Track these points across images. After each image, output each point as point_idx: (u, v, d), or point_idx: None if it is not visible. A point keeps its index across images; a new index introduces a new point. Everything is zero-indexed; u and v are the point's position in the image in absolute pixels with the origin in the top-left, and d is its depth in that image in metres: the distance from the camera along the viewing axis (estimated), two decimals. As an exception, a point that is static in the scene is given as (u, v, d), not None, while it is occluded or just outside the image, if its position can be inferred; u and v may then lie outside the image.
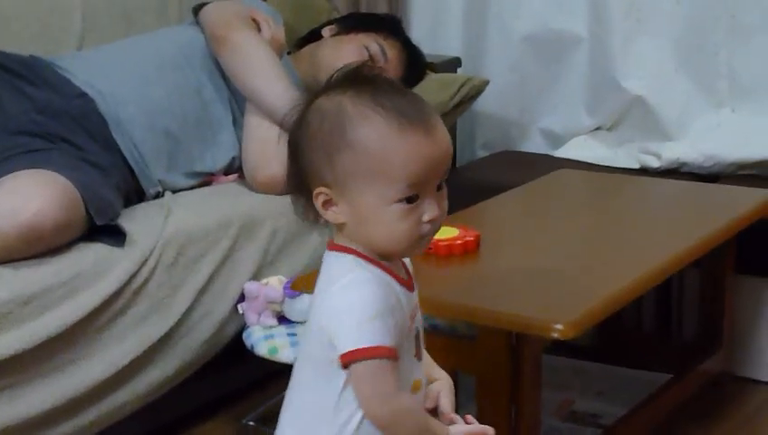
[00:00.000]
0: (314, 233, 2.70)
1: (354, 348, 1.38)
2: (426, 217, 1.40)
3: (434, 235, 1.45)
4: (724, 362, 2.81)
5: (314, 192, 1.43)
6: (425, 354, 1.56)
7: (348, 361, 1.38)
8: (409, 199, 1.39)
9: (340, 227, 1.44)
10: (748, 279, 2.82)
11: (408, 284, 1.47)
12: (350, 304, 1.40)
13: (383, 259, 1.44)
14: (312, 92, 1.46)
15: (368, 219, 1.41)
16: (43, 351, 2.15)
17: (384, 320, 1.38)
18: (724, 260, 2.72)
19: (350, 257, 1.44)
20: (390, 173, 1.38)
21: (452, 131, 3.32)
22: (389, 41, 2.97)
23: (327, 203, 1.42)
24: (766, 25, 3.06)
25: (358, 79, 1.45)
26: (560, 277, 2.09)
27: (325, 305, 1.43)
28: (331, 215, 1.43)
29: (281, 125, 2.61)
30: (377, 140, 1.38)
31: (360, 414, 1.43)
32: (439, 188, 1.42)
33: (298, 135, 1.45)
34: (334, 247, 1.46)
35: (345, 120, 1.40)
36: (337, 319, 1.40)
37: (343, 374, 1.41)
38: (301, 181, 1.45)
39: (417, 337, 1.48)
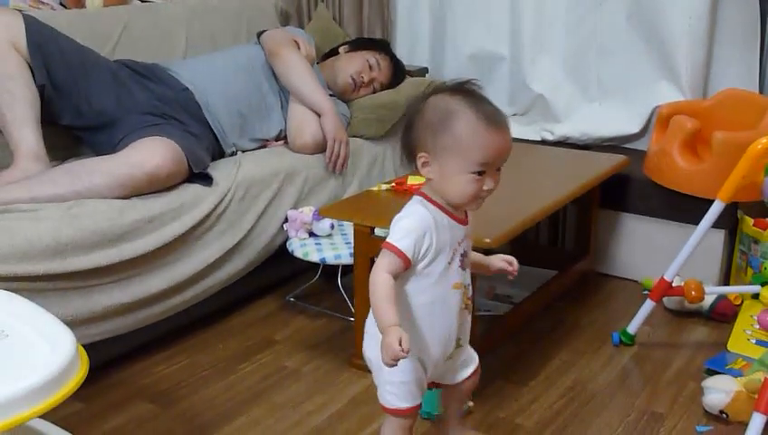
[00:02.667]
0: (332, 180, 2.71)
1: (389, 241, 1.42)
2: (485, 187, 1.41)
3: (486, 197, 1.44)
4: (590, 264, 2.84)
5: (417, 155, 1.43)
6: (476, 258, 1.59)
7: (383, 246, 1.42)
8: (479, 173, 1.39)
9: (429, 181, 1.44)
10: (606, 211, 2.83)
11: (461, 221, 1.47)
12: (399, 225, 1.44)
13: (448, 206, 1.45)
14: (428, 92, 1.44)
15: (448, 180, 1.41)
16: (160, 252, 2.17)
17: (412, 238, 1.41)
18: (592, 199, 2.73)
19: (420, 199, 1.46)
20: (470, 154, 1.38)
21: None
22: (382, 56, 2.97)
23: (424, 163, 1.43)
24: (620, 51, 3.04)
25: (461, 89, 1.43)
26: (489, 209, 2.10)
27: (392, 224, 1.46)
28: (426, 171, 1.44)
29: (311, 107, 2.65)
30: (467, 132, 1.38)
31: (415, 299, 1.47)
32: (498, 169, 1.42)
33: (414, 118, 1.43)
34: (418, 193, 1.47)
35: (449, 113, 1.39)
36: (391, 228, 1.44)
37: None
38: (409, 144, 1.45)
39: (463, 254, 1.49)
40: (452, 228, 1.46)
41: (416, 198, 1.47)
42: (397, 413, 1.54)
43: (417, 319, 1.48)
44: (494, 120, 1.39)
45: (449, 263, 1.46)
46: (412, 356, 1.48)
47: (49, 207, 2.01)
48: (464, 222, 1.49)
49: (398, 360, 1.34)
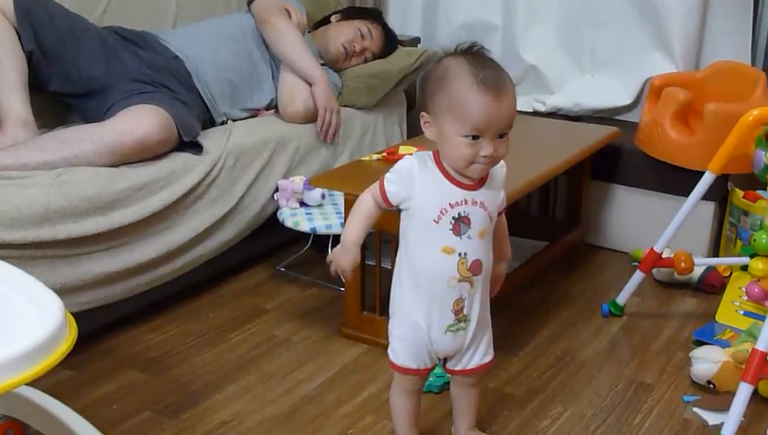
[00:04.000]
0: (323, 149, 2.69)
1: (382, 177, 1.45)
2: (482, 153, 1.37)
3: (487, 166, 1.40)
4: (580, 235, 2.84)
5: (420, 114, 1.43)
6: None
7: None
8: (474, 137, 1.36)
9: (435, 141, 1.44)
10: (597, 183, 2.83)
11: (461, 185, 1.43)
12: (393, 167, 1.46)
13: (453, 167, 1.43)
14: (444, 54, 1.43)
15: (445, 142, 1.40)
16: (150, 220, 2.16)
17: (393, 183, 1.45)
18: (583, 170, 2.74)
19: (427, 153, 1.46)
20: (462, 117, 1.35)
21: (413, 85, 3.30)
22: (374, 25, 2.94)
23: (426, 124, 1.43)
24: (614, 21, 3.03)
25: (469, 52, 1.41)
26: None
27: None
28: (427, 132, 1.43)
29: (302, 76, 2.64)
30: (460, 93, 1.36)
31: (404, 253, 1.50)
32: (502, 136, 1.38)
33: (422, 79, 1.44)
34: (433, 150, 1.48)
35: (447, 74, 1.38)
36: None
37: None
38: (419, 106, 1.47)
39: (458, 220, 1.43)
40: (445, 188, 1.43)
41: (427, 151, 1.47)
42: (393, 368, 1.56)
43: (410, 276, 1.49)
44: (490, 83, 1.35)
45: (435, 222, 1.43)
46: (407, 317, 1.50)
47: (38, 174, 1.99)
48: (468, 187, 1.44)
49: (342, 273, 1.46)
